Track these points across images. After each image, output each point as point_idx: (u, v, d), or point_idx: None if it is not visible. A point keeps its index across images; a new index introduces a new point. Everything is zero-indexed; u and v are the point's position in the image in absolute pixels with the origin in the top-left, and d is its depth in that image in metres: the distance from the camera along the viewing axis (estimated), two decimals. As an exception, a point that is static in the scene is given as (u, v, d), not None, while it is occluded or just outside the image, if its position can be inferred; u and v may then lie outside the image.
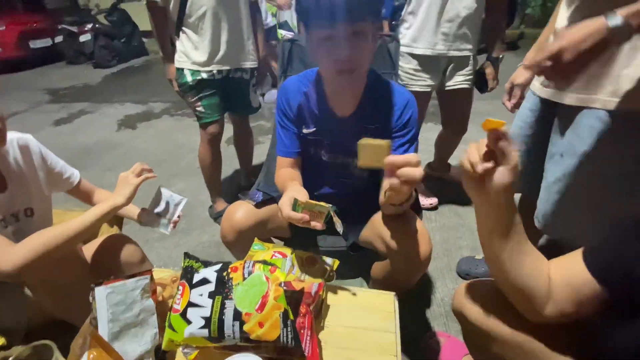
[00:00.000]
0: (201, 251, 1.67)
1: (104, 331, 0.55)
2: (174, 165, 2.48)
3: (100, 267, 0.97)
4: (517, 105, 1.15)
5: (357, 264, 1.28)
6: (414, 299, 1.33)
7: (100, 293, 0.56)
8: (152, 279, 0.63)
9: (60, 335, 0.84)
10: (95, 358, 0.42)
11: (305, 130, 0.97)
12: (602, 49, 0.60)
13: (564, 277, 0.58)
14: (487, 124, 0.54)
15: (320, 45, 0.79)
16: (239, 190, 2.11)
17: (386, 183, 0.68)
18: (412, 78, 1.51)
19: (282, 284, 0.57)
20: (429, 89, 1.54)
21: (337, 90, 0.92)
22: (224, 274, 0.58)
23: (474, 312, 0.70)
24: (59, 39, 6.18)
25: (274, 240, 1.19)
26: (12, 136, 0.91)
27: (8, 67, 5.73)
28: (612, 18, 0.58)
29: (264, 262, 0.61)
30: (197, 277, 0.58)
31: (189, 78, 1.52)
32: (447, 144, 1.94)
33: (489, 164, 0.55)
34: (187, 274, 0.59)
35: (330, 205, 0.72)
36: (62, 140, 3.03)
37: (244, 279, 0.57)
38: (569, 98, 0.84)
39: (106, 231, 1.21)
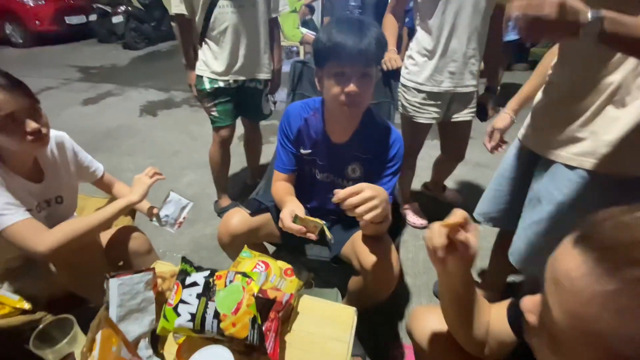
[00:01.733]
0: (203, 242, 1.83)
1: (113, 314, 0.69)
2: (187, 157, 2.64)
3: (113, 254, 1.13)
4: (495, 147, 1.25)
5: (337, 275, 1.40)
6: (389, 311, 1.45)
7: (113, 283, 0.71)
8: (154, 275, 0.78)
9: (71, 308, 1.01)
10: (106, 335, 0.56)
11: (302, 151, 1.11)
12: (568, 30, 0.56)
13: (494, 325, 0.67)
14: (446, 225, 0.57)
15: (332, 77, 0.90)
16: (244, 187, 2.26)
17: None
18: (417, 110, 1.56)
19: (255, 294, 0.70)
20: (433, 121, 1.59)
21: (336, 119, 1.05)
22: (210, 280, 0.73)
23: (419, 334, 0.81)
24: (92, 17, 6.43)
25: (266, 244, 1.34)
26: (50, 134, 1.06)
27: (44, 40, 6.03)
28: (594, 12, 0.56)
29: (243, 274, 0.74)
30: (189, 280, 0.73)
31: (207, 85, 1.66)
32: (444, 168, 2.03)
33: (442, 254, 0.58)
34: (182, 276, 0.73)
35: (324, 222, 0.88)
36: (87, 121, 3.23)
37: (225, 286, 0.71)
38: (550, 153, 0.92)
39: (121, 220, 1.38)
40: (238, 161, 2.36)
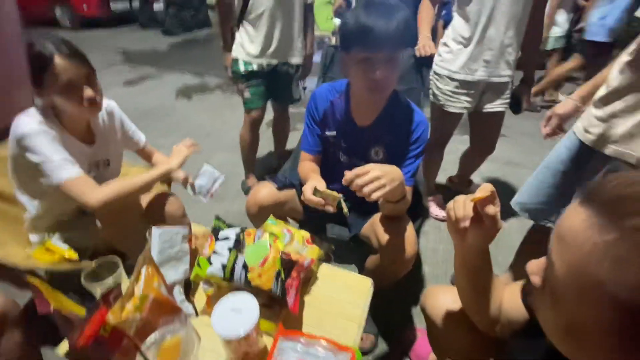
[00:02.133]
0: (229, 218, 1.87)
1: (154, 257, 0.77)
2: (218, 139, 2.76)
3: (151, 215, 1.23)
4: (551, 134, 1.19)
5: (356, 254, 1.45)
6: (404, 295, 1.47)
7: (155, 232, 0.79)
8: (190, 230, 0.86)
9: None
10: (149, 270, 0.64)
11: (327, 133, 1.14)
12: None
13: (508, 303, 0.69)
14: (476, 199, 0.57)
15: (357, 64, 0.91)
16: (270, 169, 2.34)
17: None
18: (449, 99, 1.53)
19: (282, 253, 0.76)
20: (464, 111, 1.57)
21: (361, 103, 1.07)
22: (241, 235, 0.79)
23: (433, 310, 0.83)
24: (135, 4, 6.76)
25: (290, 220, 1.40)
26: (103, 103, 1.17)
27: (90, 24, 6.40)
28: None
29: (270, 233, 0.80)
30: (222, 235, 0.80)
31: (241, 67, 1.74)
32: (472, 162, 2.00)
33: (467, 224, 0.58)
34: (215, 231, 0.81)
35: (341, 195, 0.92)
36: (128, 100, 3.43)
37: (254, 242, 0.77)
38: (609, 149, 0.90)
39: (159, 186, 1.49)
40: (265, 145, 2.44)
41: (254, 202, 1.19)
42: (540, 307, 0.46)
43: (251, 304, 0.68)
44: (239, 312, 0.66)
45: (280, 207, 1.23)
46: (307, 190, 0.94)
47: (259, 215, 1.20)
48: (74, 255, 1.15)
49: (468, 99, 1.52)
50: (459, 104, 1.54)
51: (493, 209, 0.57)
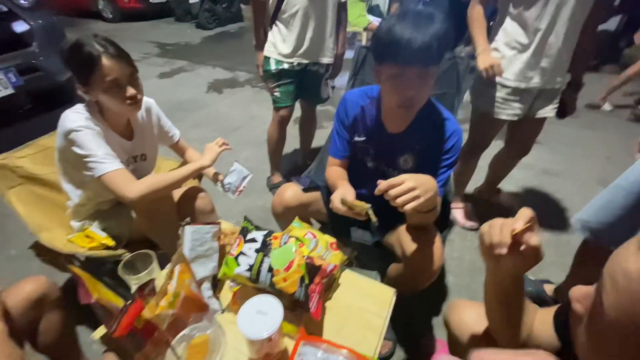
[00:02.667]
0: (254, 213, 1.97)
1: (185, 254, 0.81)
2: (246, 134, 2.82)
3: (182, 209, 1.28)
4: None
5: (378, 259, 1.44)
6: (425, 303, 1.45)
7: (188, 230, 0.82)
8: (220, 228, 0.89)
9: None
10: (182, 269, 0.67)
11: (356, 138, 1.13)
12: None
13: (538, 329, 0.65)
14: (518, 232, 0.53)
15: (388, 78, 0.89)
16: (295, 167, 2.37)
17: None
18: (500, 106, 1.46)
19: (306, 257, 0.77)
20: (515, 118, 1.48)
21: (392, 112, 1.04)
22: (268, 239, 0.81)
23: (456, 325, 0.82)
24: (172, -3, 6.97)
25: (313, 221, 1.41)
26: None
27: (130, 17, 6.68)
28: None
29: (296, 238, 0.82)
30: (249, 236, 0.82)
31: (272, 66, 1.75)
32: (505, 166, 1.89)
33: (503, 251, 0.54)
34: (244, 232, 0.83)
35: (369, 205, 0.88)
36: (162, 93, 3.57)
37: (280, 246, 0.79)
38: None
39: (190, 181, 1.55)
40: (291, 143, 2.45)
41: (280, 203, 1.21)
42: (579, 335, 0.44)
43: (276, 307, 0.69)
44: (264, 315, 0.68)
45: (305, 209, 1.24)
46: (336, 199, 0.93)
47: (284, 216, 1.22)
48: (111, 242, 1.22)
49: (520, 105, 1.44)
50: (510, 111, 1.46)
51: (536, 240, 0.53)
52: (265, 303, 0.70)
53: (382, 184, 0.78)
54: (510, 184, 2.26)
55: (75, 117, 1.01)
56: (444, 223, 1.23)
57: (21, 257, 1.63)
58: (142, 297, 0.65)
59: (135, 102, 1.05)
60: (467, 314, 0.81)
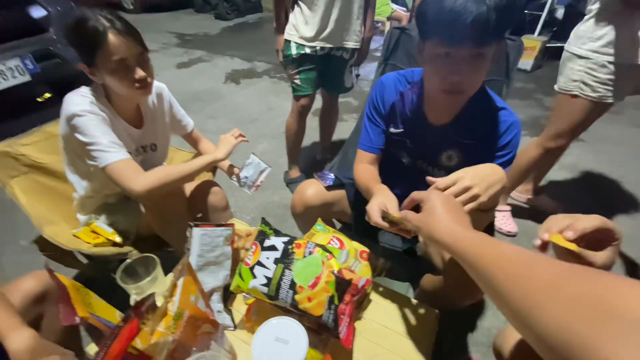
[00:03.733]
0: (270, 209, 1.86)
1: (192, 262, 0.69)
2: (263, 126, 2.70)
3: (193, 204, 1.17)
4: None
5: (409, 268, 1.29)
6: (462, 318, 1.30)
7: (196, 233, 0.70)
8: (234, 231, 0.76)
9: (154, 249, 1.07)
10: (187, 282, 0.55)
11: (392, 130, 0.98)
12: None
13: None
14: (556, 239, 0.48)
15: (433, 59, 0.74)
16: (314, 162, 2.23)
17: None
18: (608, 89, 1.31)
19: (335, 272, 0.64)
20: (621, 101, 1.36)
21: (436, 100, 0.87)
22: (290, 247, 0.68)
23: (512, 356, 0.68)
24: (193, -13, 6.91)
25: (335, 222, 1.27)
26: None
27: (151, 7, 6.69)
28: None
29: (324, 248, 0.68)
30: (267, 243, 0.69)
31: (293, 51, 1.61)
32: (551, 158, 1.66)
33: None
34: (261, 237, 0.70)
35: None
36: (180, 83, 3.50)
37: (304, 257, 0.65)
38: None
39: (203, 175, 1.44)
40: (310, 136, 2.32)
41: (300, 202, 1.08)
42: None
43: (299, 335, 0.56)
44: (284, 343, 0.55)
45: (328, 209, 1.11)
46: (373, 211, 0.74)
47: (304, 216, 1.09)
48: (118, 239, 1.13)
49: (630, 86, 1.32)
50: (620, 93, 1.33)
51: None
52: (286, 328, 0.57)
53: (439, 183, 0.64)
54: (548, 184, 2.06)
55: (79, 101, 0.91)
56: (489, 229, 1.06)
57: (31, 250, 1.55)
58: (139, 315, 0.53)
59: (145, 85, 0.93)
60: (527, 343, 0.66)
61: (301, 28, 1.58)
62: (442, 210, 0.56)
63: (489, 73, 1.18)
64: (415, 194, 0.63)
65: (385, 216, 0.71)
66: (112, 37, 0.84)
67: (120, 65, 0.87)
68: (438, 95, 0.79)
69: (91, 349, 0.68)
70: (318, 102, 2.03)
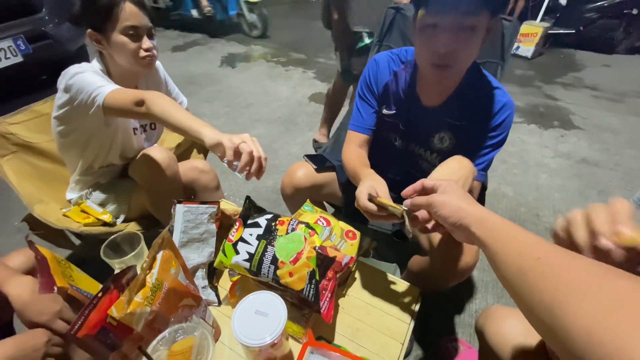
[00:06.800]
0: (263, 193, 1.86)
1: (176, 238, 0.69)
2: (259, 111, 2.67)
3: (186, 184, 1.17)
4: None
5: (397, 250, 1.30)
6: (450, 300, 1.32)
7: (179, 209, 0.70)
8: (218, 209, 0.76)
9: (144, 229, 1.07)
10: (167, 256, 0.55)
11: (385, 111, 0.96)
12: None
13: None
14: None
15: (422, 31, 0.72)
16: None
17: None
18: None
19: (317, 248, 0.64)
20: None
21: (428, 79, 0.86)
22: (273, 224, 0.68)
23: (494, 336, 0.69)
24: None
25: (326, 205, 1.27)
26: None
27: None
28: None
29: (307, 225, 0.68)
30: (251, 220, 0.69)
31: (367, 40, 1.61)
32: None
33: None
34: (244, 214, 0.70)
35: (405, 208, 0.64)
36: (176, 66, 3.45)
37: (287, 233, 0.66)
38: None
39: (195, 156, 1.44)
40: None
41: (290, 183, 1.07)
42: None
43: (278, 307, 0.57)
44: (264, 316, 0.56)
45: (318, 191, 1.10)
46: (362, 195, 0.70)
47: (294, 197, 1.09)
48: (108, 218, 1.13)
49: None
50: None
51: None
52: (266, 302, 0.58)
53: (410, 190, 0.60)
54: (544, 173, 2.06)
55: (82, 65, 0.93)
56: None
57: (25, 230, 1.57)
58: (119, 286, 0.54)
59: (151, 57, 0.96)
60: (510, 325, 0.67)
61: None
62: (460, 194, 0.54)
63: (483, 55, 1.18)
64: (426, 181, 0.59)
65: (371, 199, 0.68)
66: (129, 4, 0.88)
67: (129, 32, 0.90)
68: (429, 71, 0.78)
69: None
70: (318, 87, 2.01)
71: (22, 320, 0.61)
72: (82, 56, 2.83)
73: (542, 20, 3.91)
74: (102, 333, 0.50)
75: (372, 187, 0.72)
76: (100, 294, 0.50)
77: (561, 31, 3.97)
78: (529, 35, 3.76)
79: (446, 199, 0.52)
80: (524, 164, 2.14)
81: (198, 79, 3.18)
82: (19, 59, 2.28)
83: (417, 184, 0.60)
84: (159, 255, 0.54)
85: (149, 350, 0.48)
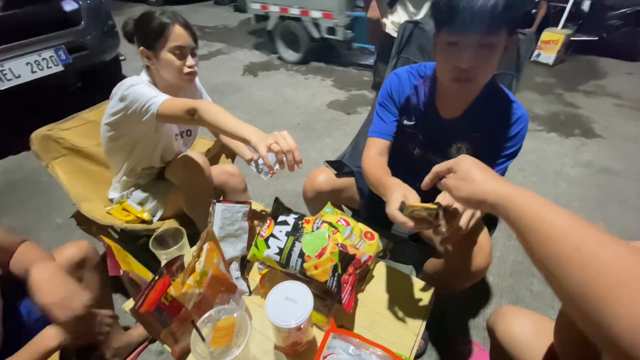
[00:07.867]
0: (283, 197, 1.94)
1: (215, 233, 0.78)
2: (279, 117, 2.78)
3: (217, 186, 1.27)
4: None
5: (414, 253, 1.35)
6: (465, 304, 1.35)
7: (219, 208, 0.79)
8: (250, 208, 0.85)
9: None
10: (211, 247, 0.64)
11: (405, 122, 1.00)
12: None
13: None
14: None
15: (444, 48, 0.77)
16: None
17: None
18: None
19: (339, 245, 0.71)
20: None
21: (447, 92, 0.91)
22: (300, 222, 0.76)
23: (504, 335, 0.72)
24: (212, -20, 7.01)
25: (345, 208, 1.34)
26: None
27: (173, 0, 6.84)
28: None
29: (330, 224, 0.76)
30: (280, 218, 0.77)
31: None
32: None
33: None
34: (275, 213, 0.78)
35: (437, 204, 0.66)
36: (200, 75, 3.56)
37: (312, 231, 0.73)
38: None
39: (223, 159, 1.55)
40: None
41: (311, 187, 1.15)
42: None
43: (306, 295, 0.64)
44: (293, 302, 0.63)
45: (338, 195, 1.18)
46: (393, 205, 0.68)
47: (314, 201, 1.16)
48: (147, 217, 1.24)
49: None
50: None
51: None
52: (295, 290, 0.65)
53: (427, 180, 0.64)
54: (563, 181, 2.06)
55: (134, 78, 1.04)
56: (494, 220, 1.11)
57: (65, 226, 1.73)
58: (170, 272, 0.63)
59: (192, 74, 1.07)
60: (520, 324, 0.71)
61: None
62: (478, 170, 0.53)
63: (499, 67, 1.23)
64: (438, 166, 0.60)
65: (402, 208, 0.65)
66: (177, 26, 1.01)
67: (176, 51, 1.01)
68: (449, 85, 0.82)
69: (127, 306, 0.78)
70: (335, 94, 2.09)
71: (37, 300, 0.65)
72: (115, 66, 3.04)
73: (564, 27, 3.87)
74: (157, 311, 0.59)
75: (404, 195, 0.71)
76: (157, 277, 0.59)
77: (584, 38, 3.92)
78: (551, 43, 3.73)
79: (466, 174, 0.53)
80: (543, 172, 2.14)
81: (221, 87, 3.33)
82: (60, 68, 2.46)
83: (431, 172, 0.61)
84: (205, 246, 0.63)
85: (199, 324, 0.56)
